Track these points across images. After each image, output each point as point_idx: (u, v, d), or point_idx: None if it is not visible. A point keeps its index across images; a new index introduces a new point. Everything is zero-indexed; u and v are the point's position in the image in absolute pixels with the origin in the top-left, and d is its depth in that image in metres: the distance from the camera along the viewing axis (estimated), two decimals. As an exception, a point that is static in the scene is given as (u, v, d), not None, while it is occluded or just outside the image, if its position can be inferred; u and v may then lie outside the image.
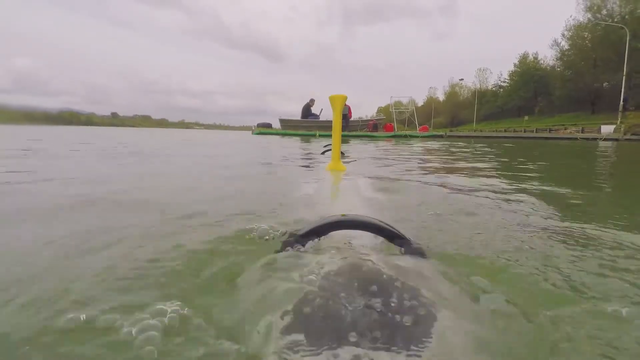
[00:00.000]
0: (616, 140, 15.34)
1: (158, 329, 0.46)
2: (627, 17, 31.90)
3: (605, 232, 1.04)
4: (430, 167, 3.33)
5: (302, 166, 3.24)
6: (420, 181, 2.19)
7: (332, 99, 2.18)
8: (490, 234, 0.99)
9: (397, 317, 0.44)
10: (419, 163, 3.70)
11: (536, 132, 25.07)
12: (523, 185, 2.06)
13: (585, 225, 1.10)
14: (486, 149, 7.06)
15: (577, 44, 38.86)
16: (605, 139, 15.54)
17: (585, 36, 37.86)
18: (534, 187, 2.00)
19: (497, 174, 2.80)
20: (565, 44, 40.79)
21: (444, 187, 1.96)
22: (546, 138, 19.01)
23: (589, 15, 36.69)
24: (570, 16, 42.29)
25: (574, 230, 1.06)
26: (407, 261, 0.64)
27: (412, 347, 0.39)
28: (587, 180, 2.72)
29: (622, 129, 18.61)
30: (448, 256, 0.79)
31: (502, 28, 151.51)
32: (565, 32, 40.32)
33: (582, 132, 20.27)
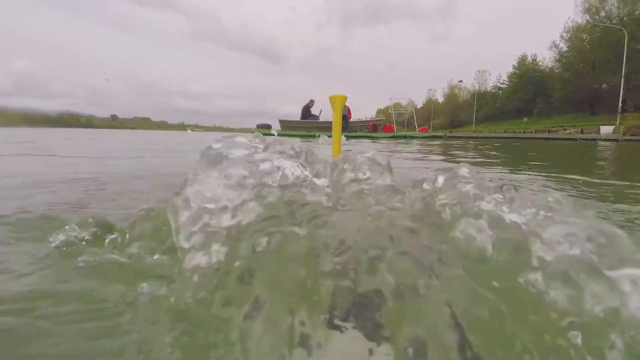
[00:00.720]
0: (615, 140, 15.39)
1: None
2: (625, 18, 32.06)
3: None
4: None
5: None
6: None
7: (332, 99, 2.18)
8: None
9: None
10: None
11: (535, 133, 25.15)
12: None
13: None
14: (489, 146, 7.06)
15: (575, 45, 39.02)
16: (604, 140, 15.58)
17: (584, 38, 38.02)
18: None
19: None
20: (563, 46, 41.05)
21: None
22: (545, 139, 19.06)
23: (588, 17, 36.92)
24: (569, 18, 42.66)
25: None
26: None
27: None
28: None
29: (621, 129, 18.69)
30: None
31: (501, 30, 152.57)
32: (564, 34, 40.56)
33: (581, 133, 20.34)
